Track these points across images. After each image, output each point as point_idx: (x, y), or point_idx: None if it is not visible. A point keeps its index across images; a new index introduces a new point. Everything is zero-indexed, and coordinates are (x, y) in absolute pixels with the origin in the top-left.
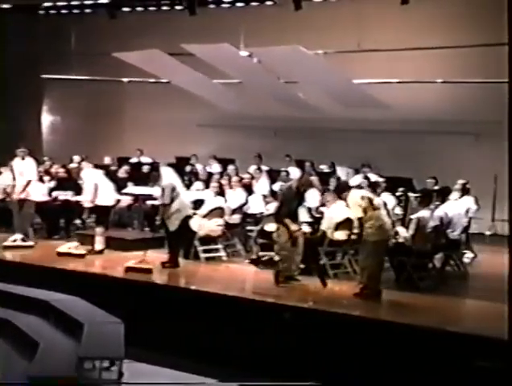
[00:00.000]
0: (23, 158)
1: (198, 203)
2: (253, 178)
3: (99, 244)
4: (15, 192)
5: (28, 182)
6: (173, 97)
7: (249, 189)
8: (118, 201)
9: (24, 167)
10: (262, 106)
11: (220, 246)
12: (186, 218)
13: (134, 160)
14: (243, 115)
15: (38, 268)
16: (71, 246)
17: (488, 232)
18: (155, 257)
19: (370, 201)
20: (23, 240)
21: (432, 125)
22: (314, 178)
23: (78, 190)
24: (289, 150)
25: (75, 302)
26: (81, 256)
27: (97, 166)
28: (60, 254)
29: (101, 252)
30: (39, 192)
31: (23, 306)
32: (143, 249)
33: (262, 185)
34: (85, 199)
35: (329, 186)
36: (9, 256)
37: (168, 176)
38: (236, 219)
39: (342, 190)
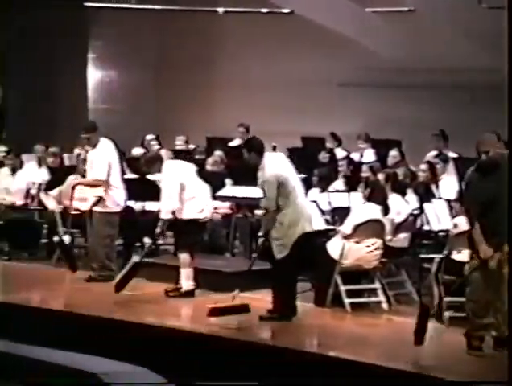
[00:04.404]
0: (94, 146)
1: (338, 213)
2: (434, 172)
3: (187, 280)
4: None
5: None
6: (297, 37)
7: (426, 190)
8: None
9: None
10: (453, 51)
11: (377, 285)
12: (311, 236)
13: (234, 143)
14: (414, 67)
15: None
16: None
17: None
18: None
19: None
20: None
21: None
22: None
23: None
24: (498, 125)
25: (141, 377)
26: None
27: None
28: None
29: (190, 293)
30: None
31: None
32: (250, 289)
33: (448, 183)
34: (167, 209)
35: None
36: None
37: (274, 165)
38: (403, 240)
39: None
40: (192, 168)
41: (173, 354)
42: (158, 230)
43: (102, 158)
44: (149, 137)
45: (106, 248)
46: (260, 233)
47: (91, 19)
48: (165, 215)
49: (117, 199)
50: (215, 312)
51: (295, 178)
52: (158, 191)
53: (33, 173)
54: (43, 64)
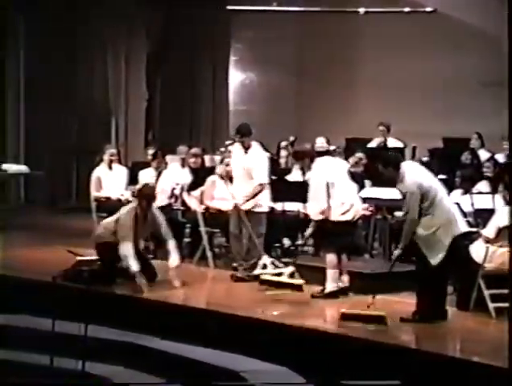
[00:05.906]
0: (247, 148)
1: (481, 216)
2: None
3: (332, 281)
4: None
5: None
6: (438, 36)
7: None
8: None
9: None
10: None
11: None
12: (458, 239)
13: (374, 143)
14: None
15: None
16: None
17: None
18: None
19: None
20: (275, 265)
21: None
22: None
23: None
24: None
25: (281, 376)
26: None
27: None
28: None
29: (334, 294)
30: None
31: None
32: (390, 291)
33: None
34: (315, 210)
35: None
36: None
37: (413, 175)
38: None
39: None
40: (342, 166)
41: (313, 354)
42: (309, 231)
43: (262, 162)
44: (284, 143)
45: (257, 247)
46: (400, 246)
47: (232, 22)
48: (315, 216)
49: (267, 199)
50: (347, 317)
51: (436, 183)
52: (297, 192)
53: (176, 173)
54: (187, 65)
